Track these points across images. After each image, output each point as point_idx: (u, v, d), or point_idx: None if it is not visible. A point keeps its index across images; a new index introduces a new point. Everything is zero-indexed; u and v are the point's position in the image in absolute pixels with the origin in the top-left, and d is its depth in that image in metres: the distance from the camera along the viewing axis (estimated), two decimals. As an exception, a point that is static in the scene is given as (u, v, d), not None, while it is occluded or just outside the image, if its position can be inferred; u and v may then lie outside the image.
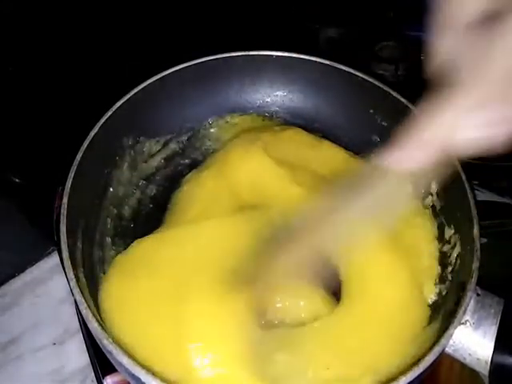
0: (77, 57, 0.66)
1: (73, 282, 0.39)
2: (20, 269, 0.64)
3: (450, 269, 0.47)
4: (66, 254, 0.40)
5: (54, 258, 0.64)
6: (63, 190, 0.44)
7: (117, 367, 0.39)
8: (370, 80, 0.56)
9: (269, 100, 0.63)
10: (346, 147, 0.58)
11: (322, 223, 0.41)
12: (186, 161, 0.59)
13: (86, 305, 0.38)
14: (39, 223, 0.63)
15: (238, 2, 0.77)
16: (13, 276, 0.63)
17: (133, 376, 0.35)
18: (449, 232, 0.49)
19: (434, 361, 0.36)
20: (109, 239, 0.51)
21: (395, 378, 0.35)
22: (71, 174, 0.45)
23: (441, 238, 0.50)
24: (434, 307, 0.45)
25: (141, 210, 0.54)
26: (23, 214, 0.65)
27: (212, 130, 0.61)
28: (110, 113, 0.51)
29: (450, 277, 0.46)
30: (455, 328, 0.38)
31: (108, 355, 0.38)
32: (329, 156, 0.56)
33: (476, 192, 0.62)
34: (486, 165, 0.67)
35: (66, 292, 0.61)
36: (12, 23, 0.61)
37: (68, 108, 0.65)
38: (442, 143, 0.30)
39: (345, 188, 0.40)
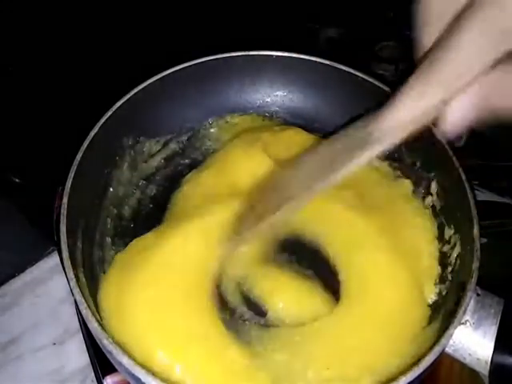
0: (77, 57, 0.66)
1: (73, 282, 0.39)
2: (20, 269, 0.64)
3: (449, 269, 0.47)
4: (65, 254, 0.40)
5: (54, 258, 0.64)
6: (63, 190, 0.44)
7: (117, 367, 0.39)
8: (370, 80, 0.56)
9: (269, 100, 0.64)
10: (346, 147, 0.58)
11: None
12: (186, 161, 0.59)
13: (85, 305, 0.38)
14: (39, 223, 0.63)
15: (238, 2, 0.77)
16: (13, 276, 0.63)
17: (133, 376, 0.35)
18: (449, 232, 0.49)
19: (434, 361, 0.36)
20: (109, 239, 0.51)
21: (395, 378, 0.35)
22: (71, 174, 0.45)
23: (441, 237, 0.50)
24: (434, 307, 0.45)
25: (141, 210, 0.54)
26: (23, 214, 0.65)
27: (212, 130, 0.61)
28: (110, 113, 0.51)
29: (449, 277, 0.46)
30: (455, 328, 0.38)
31: (108, 355, 0.38)
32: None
33: (476, 192, 0.62)
34: (486, 165, 0.67)
35: (66, 292, 0.61)
36: (12, 23, 0.61)
37: (68, 108, 0.65)
38: (436, 104, 0.32)
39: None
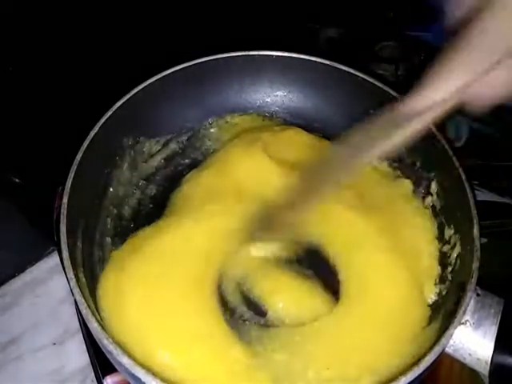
0: (77, 57, 0.66)
1: (73, 282, 0.39)
2: (20, 269, 0.64)
3: (449, 269, 0.47)
4: (65, 254, 0.41)
5: (54, 258, 0.64)
6: (63, 190, 0.45)
7: (117, 367, 0.39)
8: (370, 80, 0.56)
9: (269, 100, 0.64)
10: (346, 147, 0.58)
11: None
12: (186, 161, 0.59)
13: (85, 305, 0.38)
14: (39, 223, 0.63)
15: (238, 2, 0.77)
16: (13, 276, 0.63)
17: (133, 376, 0.35)
18: (449, 232, 0.49)
19: (434, 361, 0.36)
20: (109, 239, 0.51)
21: (395, 378, 0.35)
22: (71, 174, 0.46)
23: (441, 238, 0.50)
24: (434, 307, 0.45)
25: (141, 210, 0.54)
26: (23, 214, 0.65)
27: (212, 130, 0.61)
28: (110, 113, 0.51)
29: (449, 277, 0.46)
30: (455, 328, 0.38)
31: (108, 355, 0.38)
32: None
33: (476, 192, 0.62)
34: (486, 165, 0.67)
35: (66, 292, 0.61)
36: (12, 23, 0.60)
37: (68, 108, 0.65)
38: (462, 87, 0.33)
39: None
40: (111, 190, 0.53)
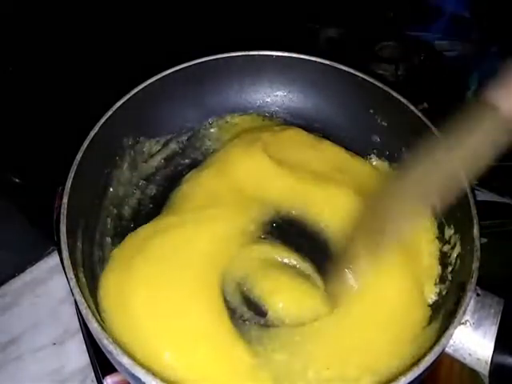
0: (77, 57, 0.66)
1: (73, 282, 0.39)
2: (20, 269, 0.64)
3: (449, 269, 0.47)
4: (65, 254, 0.40)
5: (54, 258, 0.64)
6: (63, 190, 0.45)
7: (117, 367, 0.39)
8: (370, 80, 0.56)
9: (269, 100, 0.64)
10: (346, 147, 0.58)
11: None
12: (186, 161, 0.59)
13: (85, 305, 0.38)
14: (39, 223, 0.63)
15: (238, 2, 0.77)
16: (13, 276, 0.63)
17: (133, 376, 0.35)
18: (449, 232, 0.49)
19: (434, 361, 0.36)
20: (109, 239, 0.51)
21: (395, 378, 0.35)
22: (71, 174, 0.46)
23: (441, 238, 0.50)
24: (434, 307, 0.45)
25: (141, 210, 0.54)
26: (23, 214, 0.65)
27: (212, 130, 0.61)
28: (110, 113, 0.51)
29: (449, 277, 0.46)
30: (455, 328, 0.38)
31: (108, 355, 0.38)
32: (329, 156, 0.56)
33: (476, 192, 0.62)
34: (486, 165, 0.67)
35: (66, 292, 0.61)
36: (12, 23, 0.60)
37: (68, 108, 0.65)
38: None
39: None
40: (111, 190, 0.53)
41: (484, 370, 0.40)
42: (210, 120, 0.62)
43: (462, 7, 0.81)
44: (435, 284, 0.47)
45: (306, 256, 0.49)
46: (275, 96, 0.63)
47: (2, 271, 0.62)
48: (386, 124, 0.58)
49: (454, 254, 0.47)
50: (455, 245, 0.47)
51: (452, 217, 0.49)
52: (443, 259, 0.48)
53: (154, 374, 0.34)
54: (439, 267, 0.48)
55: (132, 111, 0.54)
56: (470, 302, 0.40)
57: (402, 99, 0.54)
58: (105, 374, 0.48)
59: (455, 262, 0.46)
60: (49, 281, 0.63)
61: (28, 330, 0.59)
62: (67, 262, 0.40)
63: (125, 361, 0.35)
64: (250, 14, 0.78)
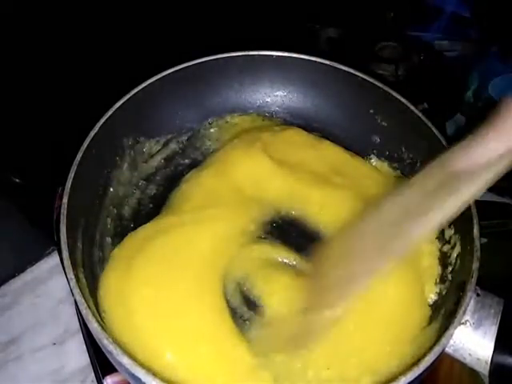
0: (77, 57, 0.66)
1: (73, 282, 0.39)
2: (20, 269, 0.64)
3: (449, 269, 0.47)
4: (66, 254, 0.40)
5: (54, 258, 0.64)
6: (63, 190, 0.44)
7: (117, 367, 0.39)
8: (370, 80, 0.56)
9: (269, 100, 0.64)
10: (346, 147, 0.58)
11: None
12: (186, 161, 0.59)
13: (85, 305, 0.38)
14: (39, 223, 0.63)
15: (238, 2, 0.77)
16: (13, 276, 0.63)
17: (133, 376, 0.35)
18: (449, 232, 0.49)
19: (434, 361, 0.36)
20: (109, 239, 0.51)
21: (395, 378, 0.35)
22: (71, 174, 0.46)
23: (441, 238, 0.50)
24: (434, 307, 0.45)
25: (141, 210, 0.54)
26: (23, 214, 0.65)
27: (212, 130, 0.61)
28: (110, 113, 0.51)
29: (450, 277, 0.46)
30: (455, 328, 0.38)
31: (108, 355, 0.38)
32: (329, 156, 0.56)
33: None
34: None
35: (66, 292, 0.61)
36: (12, 23, 0.60)
37: (68, 108, 0.65)
38: None
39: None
40: (111, 190, 0.53)
41: (484, 369, 0.40)
42: (209, 120, 0.61)
43: (462, 7, 0.81)
44: (435, 284, 0.47)
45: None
46: (275, 96, 0.63)
47: (1, 271, 0.62)
48: (385, 124, 0.58)
49: (454, 254, 0.47)
50: (455, 245, 0.47)
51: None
52: (443, 259, 0.48)
53: (155, 374, 0.34)
54: (439, 267, 0.48)
55: (132, 111, 0.54)
56: (470, 302, 0.40)
57: (402, 99, 0.54)
58: (105, 374, 0.48)
59: (455, 262, 0.46)
60: (49, 281, 0.63)
61: (28, 329, 0.59)
62: (67, 262, 0.40)
63: (125, 361, 0.35)
64: (250, 14, 0.78)
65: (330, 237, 0.46)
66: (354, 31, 0.83)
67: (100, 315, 0.41)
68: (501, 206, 0.64)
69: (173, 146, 0.60)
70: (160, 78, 0.56)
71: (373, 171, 0.57)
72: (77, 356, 0.57)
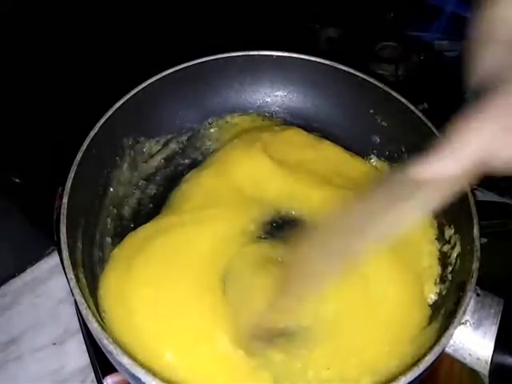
0: (77, 57, 0.66)
1: (73, 282, 0.39)
2: (20, 269, 0.64)
3: (449, 269, 0.47)
4: (66, 254, 0.40)
5: (54, 258, 0.64)
6: (63, 190, 0.44)
7: (117, 367, 0.39)
8: (370, 80, 0.56)
9: (269, 100, 0.63)
10: (346, 147, 0.58)
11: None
12: (186, 161, 0.59)
13: (85, 305, 0.38)
14: (39, 223, 0.63)
15: (238, 2, 0.77)
16: (13, 276, 0.63)
17: (133, 376, 0.35)
18: (449, 232, 0.49)
19: (434, 361, 0.36)
20: (109, 239, 0.51)
21: (395, 378, 0.35)
22: (71, 174, 0.45)
23: (441, 238, 0.50)
24: (434, 307, 0.45)
25: (141, 210, 0.54)
26: (23, 214, 0.65)
27: (212, 130, 0.61)
28: (110, 113, 0.51)
29: (450, 277, 0.46)
30: (455, 328, 0.38)
31: (108, 355, 0.38)
32: (329, 156, 0.56)
33: (476, 192, 0.62)
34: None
35: (66, 292, 0.61)
36: (12, 23, 0.60)
37: (68, 108, 0.65)
38: (479, 157, 0.29)
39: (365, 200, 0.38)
40: (111, 190, 0.53)
41: (484, 369, 0.40)
42: (209, 120, 0.61)
43: (462, 7, 0.81)
44: (435, 284, 0.47)
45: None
46: (275, 96, 0.63)
47: (1, 271, 0.62)
48: (385, 124, 0.58)
49: (454, 254, 0.47)
50: (455, 245, 0.47)
51: (452, 217, 0.49)
52: (443, 259, 0.48)
53: (154, 374, 0.34)
54: (439, 267, 0.48)
55: (132, 111, 0.54)
56: (470, 302, 0.40)
57: (402, 99, 0.54)
58: (105, 374, 0.48)
59: (455, 262, 0.46)
60: (49, 281, 0.63)
61: (28, 329, 0.59)
62: (67, 262, 0.40)
63: (125, 361, 0.35)
64: (250, 14, 0.78)
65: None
66: (353, 31, 0.83)
67: (100, 315, 0.41)
68: (501, 206, 0.64)
69: (173, 145, 0.60)
70: (160, 78, 0.56)
71: (373, 171, 0.57)
72: (77, 356, 0.57)
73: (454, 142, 0.30)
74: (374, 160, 0.58)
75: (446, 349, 0.40)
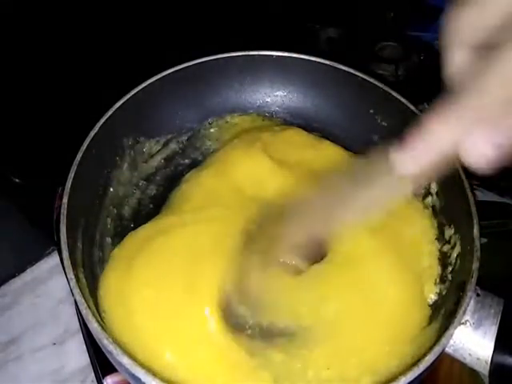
0: (77, 57, 0.66)
1: (73, 282, 0.39)
2: (20, 269, 0.64)
3: (449, 269, 0.47)
4: (66, 254, 0.40)
5: (54, 258, 0.64)
6: (63, 190, 0.44)
7: (117, 367, 0.39)
8: (370, 80, 0.56)
9: (269, 100, 0.63)
10: (346, 147, 0.58)
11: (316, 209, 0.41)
12: (186, 161, 0.59)
13: (85, 305, 0.38)
14: (39, 223, 0.63)
15: (237, 1, 0.77)
16: (13, 276, 0.63)
17: (133, 376, 0.35)
18: (449, 232, 0.49)
19: (434, 361, 0.36)
20: (109, 239, 0.51)
21: (395, 378, 0.35)
22: (71, 174, 0.45)
23: (441, 238, 0.50)
24: (434, 307, 0.45)
25: (141, 210, 0.54)
26: (23, 214, 0.65)
27: (212, 130, 0.61)
28: (110, 113, 0.51)
29: (450, 277, 0.46)
30: (455, 328, 0.38)
31: (108, 355, 0.38)
32: (329, 156, 0.56)
33: (476, 192, 0.62)
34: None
35: (66, 292, 0.61)
36: (12, 23, 0.61)
37: (68, 108, 0.65)
38: (446, 150, 0.30)
39: (341, 181, 0.40)
40: (111, 190, 0.53)
41: (484, 369, 0.40)
42: (209, 120, 0.61)
43: (462, 7, 0.80)
44: (435, 284, 0.47)
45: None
46: (275, 96, 0.63)
47: (1, 271, 0.62)
48: (386, 124, 0.58)
49: (454, 254, 0.47)
50: (455, 245, 0.47)
51: (452, 217, 0.49)
52: (443, 259, 0.48)
53: (154, 374, 0.34)
54: (439, 267, 0.48)
55: (132, 111, 0.54)
56: (470, 302, 0.40)
57: (402, 99, 0.54)
58: (105, 374, 0.48)
59: (455, 262, 0.46)
60: (49, 281, 0.63)
61: (28, 329, 0.59)
62: (67, 262, 0.40)
63: (125, 361, 0.35)
64: (250, 14, 0.78)
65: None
66: (354, 31, 0.83)
67: (100, 315, 0.41)
68: (501, 206, 0.64)
69: (173, 145, 0.60)
70: (160, 78, 0.56)
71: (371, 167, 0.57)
72: (77, 356, 0.57)
73: (424, 134, 0.31)
74: (373, 157, 0.58)
75: (446, 349, 0.40)
